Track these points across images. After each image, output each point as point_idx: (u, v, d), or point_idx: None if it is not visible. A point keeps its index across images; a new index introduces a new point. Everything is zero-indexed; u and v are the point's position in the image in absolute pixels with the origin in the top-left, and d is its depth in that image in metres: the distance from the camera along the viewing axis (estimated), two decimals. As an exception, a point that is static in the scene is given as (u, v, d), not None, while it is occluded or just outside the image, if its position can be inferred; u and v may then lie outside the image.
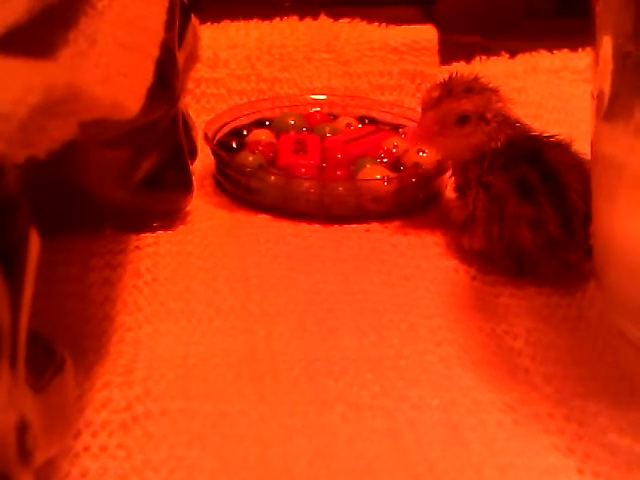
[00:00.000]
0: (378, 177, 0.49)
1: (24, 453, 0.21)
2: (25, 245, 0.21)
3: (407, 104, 0.62)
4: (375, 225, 0.49)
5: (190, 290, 0.42)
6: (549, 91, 0.66)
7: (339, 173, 0.50)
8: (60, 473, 0.31)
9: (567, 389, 0.36)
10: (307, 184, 0.49)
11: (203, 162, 0.54)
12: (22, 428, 0.21)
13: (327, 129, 0.55)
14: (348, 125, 0.57)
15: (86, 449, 0.32)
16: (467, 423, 0.35)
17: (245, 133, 0.55)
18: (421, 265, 0.46)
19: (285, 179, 0.49)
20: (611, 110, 0.39)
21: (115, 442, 0.33)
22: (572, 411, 0.35)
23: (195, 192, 0.49)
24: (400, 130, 0.56)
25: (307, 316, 0.41)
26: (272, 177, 0.49)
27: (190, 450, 0.33)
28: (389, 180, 0.49)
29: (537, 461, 0.33)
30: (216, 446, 0.33)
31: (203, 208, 0.50)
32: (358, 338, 0.40)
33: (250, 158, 0.51)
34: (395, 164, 0.52)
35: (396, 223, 0.50)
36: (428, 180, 0.51)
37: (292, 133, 0.54)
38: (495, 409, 0.35)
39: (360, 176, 0.50)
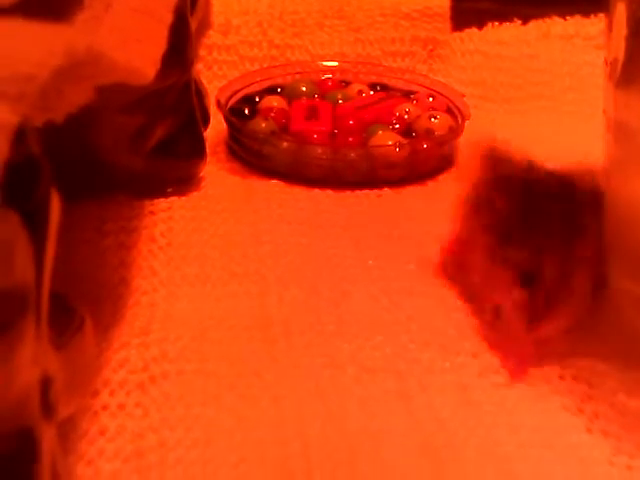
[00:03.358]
0: (390, 143, 0.50)
1: (47, 408, 0.22)
2: (47, 205, 0.22)
3: (419, 70, 0.62)
4: (387, 191, 0.49)
5: (204, 255, 0.43)
6: (561, 58, 0.65)
7: (351, 139, 0.51)
8: (79, 431, 0.32)
9: (576, 351, 0.37)
10: (319, 150, 0.49)
11: (216, 129, 0.54)
12: (46, 383, 0.21)
13: (339, 96, 0.56)
14: (360, 92, 0.57)
15: (104, 408, 0.33)
16: (478, 385, 0.35)
17: (257, 100, 0.55)
18: (433, 231, 0.46)
19: (297, 145, 0.49)
20: (624, 76, 0.39)
21: (133, 401, 0.33)
22: (581, 372, 0.35)
23: (208, 158, 0.50)
24: (412, 96, 0.56)
25: (319, 280, 0.41)
26: (284, 143, 0.50)
27: (206, 410, 0.33)
28: (401, 146, 0.49)
29: (547, 421, 0.33)
30: (231, 406, 0.33)
31: (216, 174, 0.50)
32: (370, 302, 0.40)
33: (262, 124, 0.51)
34: (407, 130, 0.52)
35: (408, 189, 0.50)
36: (440, 146, 0.51)
37: (304, 100, 0.55)
38: (503, 374, 0.36)
39: (372, 142, 0.50)
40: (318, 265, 0.43)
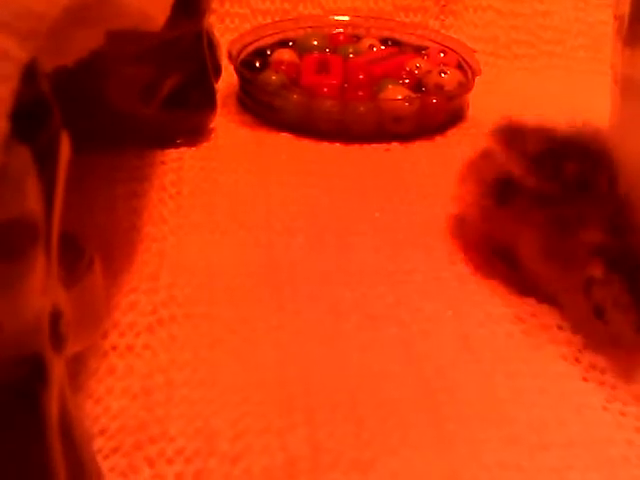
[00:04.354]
0: (399, 97, 0.50)
1: (57, 340, 0.22)
2: (57, 145, 0.23)
3: (431, 26, 0.62)
4: (395, 145, 0.50)
5: (213, 204, 0.43)
6: (574, 15, 0.65)
7: (361, 93, 0.51)
8: (89, 370, 0.33)
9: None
10: (329, 103, 0.50)
11: (227, 81, 0.54)
12: (55, 316, 0.22)
13: (350, 50, 0.56)
14: (371, 46, 0.57)
15: (114, 348, 0.34)
16: (478, 334, 0.36)
17: (268, 53, 0.55)
18: (440, 185, 0.47)
19: (307, 98, 0.50)
20: (631, 33, 0.39)
21: (141, 343, 0.34)
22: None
23: (219, 110, 0.50)
24: (423, 52, 0.56)
25: (326, 231, 0.42)
26: (294, 96, 0.50)
27: (212, 352, 0.34)
28: (410, 100, 0.50)
29: (544, 369, 0.34)
30: (236, 349, 0.34)
31: (226, 126, 0.51)
32: (375, 253, 0.41)
33: (273, 77, 0.52)
34: (417, 85, 0.53)
35: (416, 143, 0.50)
36: (449, 101, 0.51)
37: (315, 53, 0.55)
38: (505, 321, 0.36)
39: (381, 96, 0.50)
40: (325, 216, 0.43)
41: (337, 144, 0.49)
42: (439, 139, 0.51)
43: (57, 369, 0.22)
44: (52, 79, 0.25)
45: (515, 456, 0.30)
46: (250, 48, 0.55)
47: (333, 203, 0.45)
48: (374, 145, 0.50)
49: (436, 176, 0.48)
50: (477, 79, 0.53)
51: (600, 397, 0.32)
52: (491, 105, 0.54)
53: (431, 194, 0.46)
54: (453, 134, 0.52)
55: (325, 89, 0.51)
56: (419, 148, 0.50)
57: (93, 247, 0.31)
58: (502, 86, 0.57)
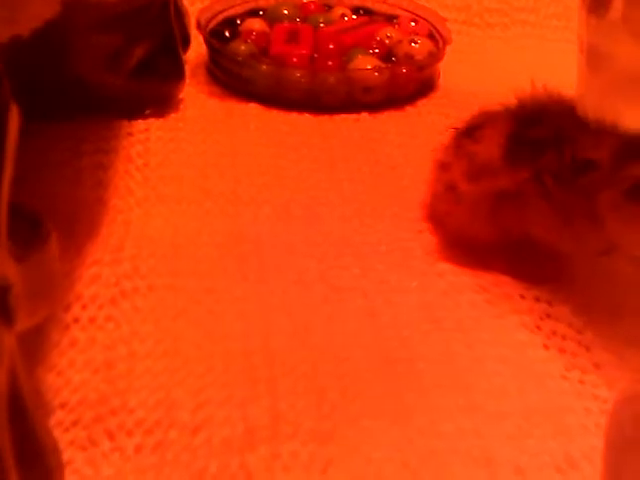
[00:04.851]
0: (369, 67, 0.50)
1: (6, 313, 0.22)
2: (5, 117, 0.22)
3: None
4: (365, 115, 0.50)
5: (180, 175, 0.43)
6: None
7: (330, 63, 0.51)
8: (50, 342, 0.33)
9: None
10: (298, 73, 0.49)
11: (196, 51, 0.54)
12: (4, 288, 0.22)
13: (321, 19, 0.55)
14: (342, 15, 0.56)
15: (76, 320, 0.34)
16: (441, 303, 0.36)
17: (238, 22, 0.55)
18: (409, 156, 0.47)
19: (276, 68, 0.50)
20: (595, 2, 0.39)
21: (104, 315, 0.34)
22: (542, 292, 0.36)
23: (188, 80, 0.50)
24: (394, 21, 0.56)
25: (293, 202, 0.42)
26: (263, 66, 0.50)
27: (175, 323, 0.34)
28: (379, 70, 0.50)
29: (505, 337, 0.34)
30: (200, 320, 0.34)
31: (195, 96, 0.50)
32: (342, 224, 0.41)
33: (242, 47, 0.51)
34: (387, 55, 0.52)
35: (386, 113, 0.50)
36: (419, 71, 0.51)
37: (285, 23, 0.54)
38: (469, 290, 0.37)
39: (351, 66, 0.50)
40: (292, 187, 0.43)
41: (306, 114, 0.49)
42: (409, 109, 0.51)
43: (7, 342, 0.22)
44: (7, 49, 0.25)
45: (473, 424, 0.30)
46: (220, 17, 0.55)
47: (301, 174, 0.44)
48: (344, 115, 0.49)
49: (405, 146, 0.47)
50: (448, 48, 0.53)
51: (560, 365, 0.33)
52: (462, 74, 0.54)
53: (400, 164, 0.46)
54: (423, 104, 0.51)
55: (295, 59, 0.51)
56: (389, 118, 0.50)
57: (52, 220, 0.31)
58: (474, 55, 0.56)
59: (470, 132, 0.39)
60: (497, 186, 0.37)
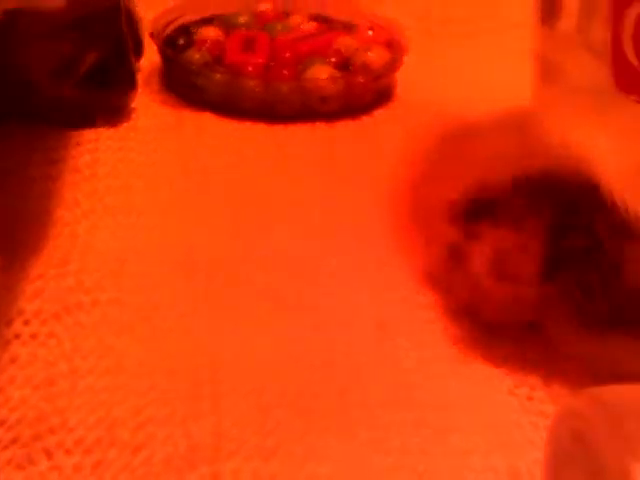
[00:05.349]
0: (324, 77, 0.49)
1: None
2: None
3: (362, 3, 0.61)
4: (320, 125, 0.49)
5: (129, 186, 0.42)
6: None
7: (286, 72, 0.50)
8: (-10, 359, 0.32)
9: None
10: (252, 83, 0.49)
11: (150, 59, 0.53)
12: None
13: (278, 27, 0.55)
14: (300, 24, 0.56)
15: (17, 336, 0.33)
16: (394, 319, 0.36)
17: (193, 30, 0.54)
18: (364, 166, 0.46)
19: (230, 77, 0.49)
20: (547, 11, 0.39)
21: (46, 331, 0.33)
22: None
23: (141, 89, 0.49)
24: (352, 29, 0.56)
25: (245, 214, 0.41)
26: (217, 75, 0.49)
27: (119, 339, 0.33)
28: (334, 80, 0.49)
29: (457, 353, 0.34)
30: (145, 337, 0.34)
31: (148, 105, 0.50)
32: (294, 237, 0.40)
33: (196, 56, 0.50)
34: (344, 64, 0.52)
35: (342, 123, 0.50)
36: (375, 80, 0.51)
37: (241, 31, 0.54)
38: (423, 306, 0.36)
39: (306, 76, 0.50)
40: (244, 198, 0.43)
41: (261, 124, 0.49)
42: (365, 119, 0.50)
43: None
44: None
45: (419, 440, 0.30)
46: (174, 25, 0.54)
47: (254, 185, 0.44)
48: (299, 125, 0.49)
49: (361, 157, 0.47)
50: (407, 57, 0.53)
51: (509, 382, 0.32)
52: (420, 84, 0.54)
53: (355, 175, 0.45)
54: (380, 114, 0.51)
55: (250, 68, 0.50)
56: (345, 128, 0.49)
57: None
58: (433, 65, 0.56)
59: (488, 209, 0.35)
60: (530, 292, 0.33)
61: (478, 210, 0.35)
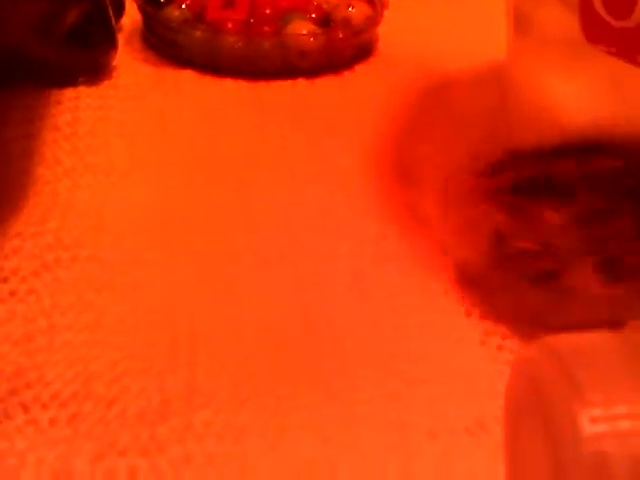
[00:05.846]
0: (304, 32, 0.49)
1: None
2: None
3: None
4: (301, 81, 0.49)
5: (109, 144, 0.43)
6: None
7: (266, 28, 0.50)
8: (-32, 316, 0.32)
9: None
10: (232, 39, 0.49)
11: (132, 17, 0.53)
12: None
13: (259, -17, 0.54)
14: (281, -21, 0.56)
15: (-5, 294, 0.34)
16: (370, 270, 0.36)
17: (175, -14, 0.54)
18: (345, 122, 0.46)
19: (210, 34, 0.49)
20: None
21: (25, 288, 0.34)
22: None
23: (122, 48, 0.49)
24: (333, -16, 0.55)
25: (224, 170, 0.42)
26: (197, 32, 0.49)
27: (98, 295, 0.34)
28: (315, 35, 0.49)
29: (430, 304, 0.34)
30: (123, 293, 0.34)
31: (129, 64, 0.50)
32: (273, 192, 0.41)
33: (176, 13, 0.50)
34: (324, 19, 0.52)
35: (323, 79, 0.50)
36: (356, 36, 0.51)
37: (222, -13, 0.54)
38: (399, 257, 0.36)
39: (287, 31, 0.50)
40: (224, 154, 0.43)
41: (242, 81, 0.49)
42: (347, 74, 0.50)
43: None
44: None
45: (391, 389, 0.30)
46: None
47: (235, 142, 0.44)
48: (280, 81, 0.49)
49: (342, 112, 0.47)
50: (388, 12, 0.53)
51: (480, 331, 0.33)
52: (402, 39, 0.54)
53: (336, 131, 0.46)
54: (361, 69, 0.51)
55: (230, 24, 0.50)
56: (326, 84, 0.49)
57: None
58: (414, 19, 0.56)
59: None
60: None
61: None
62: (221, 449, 0.27)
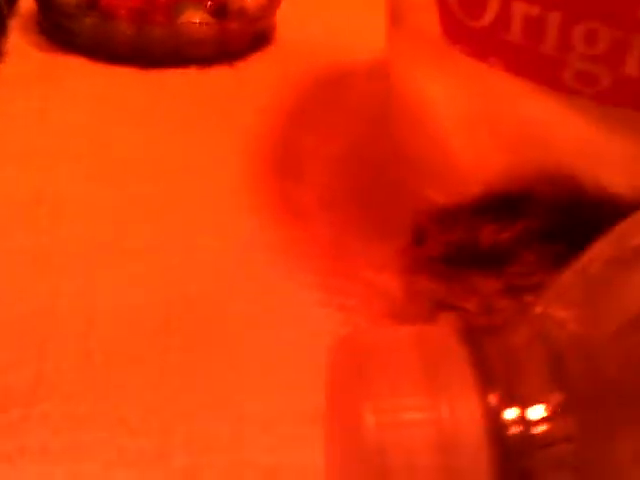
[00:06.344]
0: (197, 21, 0.49)
1: None
2: None
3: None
4: (193, 70, 0.49)
5: (-10, 132, 0.43)
6: None
7: (159, 16, 0.50)
8: None
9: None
10: (123, 26, 0.49)
11: (28, 1, 0.52)
12: None
13: (160, -31, 0.54)
14: (183, -34, 0.55)
15: None
16: (237, 261, 0.36)
17: (73, -28, 0.53)
18: (236, 112, 0.47)
19: (102, 21, 0.49)
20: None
21: None
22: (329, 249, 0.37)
23: (17, 33, 0.49)
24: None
25: (106, 159, 0.42)
26: (88, 19, 0.49)
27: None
28: (207, 25, 0.49)
29: (292, 296, 0.35)
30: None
31: (22, 49, 0.49)
32: (148, 182, 0.41)
33: (68, -2, 0.50)
34: (220, 8, 0.52)
35: (216, 69, 0.50)
36: (251, 25, 0.51)
37: (120, -27, 0.53)
38: (269, 247, 0.37)
39: (179, 20, 0.50)
40: (104, 145, 0.43)
41: (133, 68, 0.49)
42: (240, 64, 0.51)
43: None
44: None
45: (232, 379, 0.31)
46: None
47: (117, 129, 0.44)
48: (171, 70, 0.49)
49: (232, 102, 0.47)
50: (288, 1, 0.53)
51: (336, 321, 0.34)
52: (300, 28, 0.54)
53: (223, 121, 0.46)
54: (255, 58, 0.51)
55: (123, 11, 0.50)
56: (218, 73, 0.50)
57: None
58: (314, 7, 0.56)
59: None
60: None
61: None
62: (57, 440, 0.28)
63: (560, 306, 0.22)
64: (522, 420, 0.19)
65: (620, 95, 0.30)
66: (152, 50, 0.49)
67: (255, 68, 0.50)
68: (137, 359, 0.31)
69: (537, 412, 0.19)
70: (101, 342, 0.32)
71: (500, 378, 0.20)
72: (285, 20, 0.54)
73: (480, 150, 0.36)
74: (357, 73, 0.51)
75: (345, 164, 0.44)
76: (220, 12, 0.52)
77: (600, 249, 0.23)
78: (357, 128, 0.46)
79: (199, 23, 0.49)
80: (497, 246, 0.30)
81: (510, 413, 0.19)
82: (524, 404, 0.19)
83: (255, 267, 0.37)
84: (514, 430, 0.19)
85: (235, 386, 0.30)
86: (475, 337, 0.21)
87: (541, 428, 0.19)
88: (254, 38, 0.52)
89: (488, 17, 0.31)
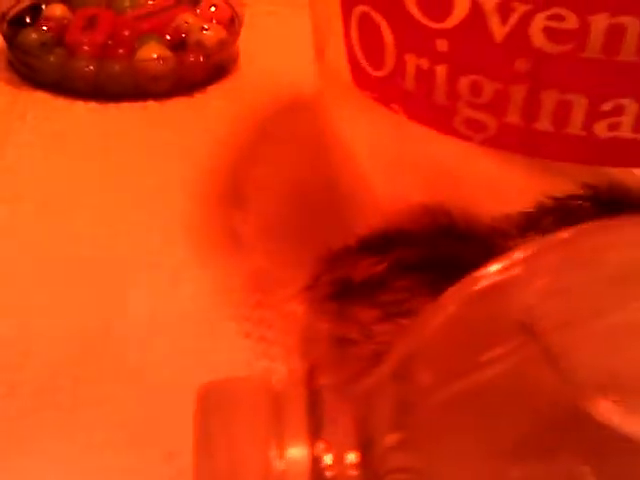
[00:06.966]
0: (154, 56, 0.51)
1: None
2: None
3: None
4: (151, 103, 0.51)
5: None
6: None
7: (121, 51, 0.52)
8: None
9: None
10: (83, 63, 0.51)
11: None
12: None
13: (126, 3, 0.56)
14: (149, -1, 0.58)
15: None
16: (166, 295, 0.39)
17: (43, 7, 0.56)
18: (191, 144, 0.49)
19: (63, 59, 0.51)
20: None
21: None
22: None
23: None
24: (197, 5, 0.57)
25: (57, 195, 0.44)
26: (51, 57, 0.51)
27: None
28: (165, 59, 0.51)
29: (210, 327, 0.37)
30: None
31: (-10, 85, 0.52)
32: (99, 214, 0.43)
33: (33, 35, 0.52)
34: (180, 42, 0.54)
35: (174, 101, 0.52)
36: (207, 58, 0.53)
37: (88, 8, 0.55)
38: (195, 281, 0.39)
39: (139, 55, 0.52)
40: (58, 180, 0.45)
41: (92, 103, 0.51)
42: (198, 96, 0.53)
43: None
44: None
45: (140, 406, 0.33)
46: (25, 3, 0.56)
47: (71, 163, 0.46)
48: (130, 104, 0.51)
49: (190, 134, 0.49)
50: (250, 32, 0.55)
51: (252, 353, 0.35)
52: (260, 59, 0.56)
53: (180, 154, 0.48)
54: (214, 90, 0.53)
55: (86, 47, 0.52)
56: (176, 105, 0.52)
57: None
58: (274, 37, 0.58)
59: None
60: None
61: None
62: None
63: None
64: (340, 464, 0.21)
65: (505, 141, 0.31)
66: (112, 85, 0.51)
67: (213, 100, 0.52)
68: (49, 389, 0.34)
69: (353, 457, 0.21)
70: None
71: (330, 425, 0.22)
72: (245, 52, 0.55)
73: (397, 188, 0.37)
74: (308, 104, 0.53)
75: (289, 196, 0.46)
76: (179, 45, 0.54)
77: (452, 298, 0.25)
78: (306, 161, 0.48)
79: (157, 58, 0.51)
80: (372, 277, 0.31)
81: (329, 458, 0.21)
82: (343, 450, 0.21)
83: (182, 298, 0.39)
84: (329, 474, 0.21)
85: (134, 413, 0.32)
86: (318, 387, 0.23)
87: (353, 472, 0.21)
88: (212, 71, 0.54)
89: (387, 67, 0.33)
